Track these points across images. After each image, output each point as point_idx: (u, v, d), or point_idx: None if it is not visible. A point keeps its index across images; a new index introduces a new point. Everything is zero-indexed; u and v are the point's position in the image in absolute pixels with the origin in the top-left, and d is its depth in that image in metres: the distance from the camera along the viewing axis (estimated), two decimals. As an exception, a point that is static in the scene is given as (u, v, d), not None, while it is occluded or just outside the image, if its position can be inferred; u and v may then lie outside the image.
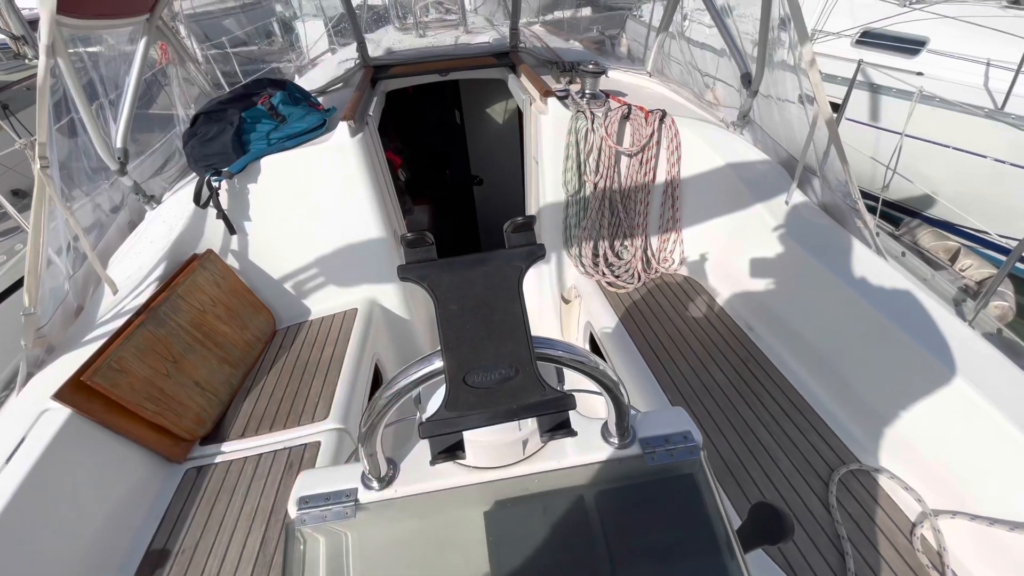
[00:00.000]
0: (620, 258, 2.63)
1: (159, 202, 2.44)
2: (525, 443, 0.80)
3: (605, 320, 2.47)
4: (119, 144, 2.26)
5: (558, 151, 2.45)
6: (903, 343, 1.63)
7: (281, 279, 2.46)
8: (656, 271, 2.64)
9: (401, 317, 2.73)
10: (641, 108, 2.36)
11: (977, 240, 5.04)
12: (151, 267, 2.11)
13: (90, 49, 2.24)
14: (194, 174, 2.37)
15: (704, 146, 2.44)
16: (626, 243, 2.61)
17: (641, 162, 2.40)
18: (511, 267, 0.57)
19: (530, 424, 0.79)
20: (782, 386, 1.98)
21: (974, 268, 4.37)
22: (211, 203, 2.23)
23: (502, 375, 0.55)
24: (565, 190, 2.51)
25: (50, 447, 1.52)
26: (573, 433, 0.56)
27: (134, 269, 2.13)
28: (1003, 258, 2.60)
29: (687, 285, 2.57)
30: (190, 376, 2.00)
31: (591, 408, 0.94)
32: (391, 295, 2.63)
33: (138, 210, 2.47)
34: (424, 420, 0.55)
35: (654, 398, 2.00)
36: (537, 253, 0.58)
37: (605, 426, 0.83)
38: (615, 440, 0.81)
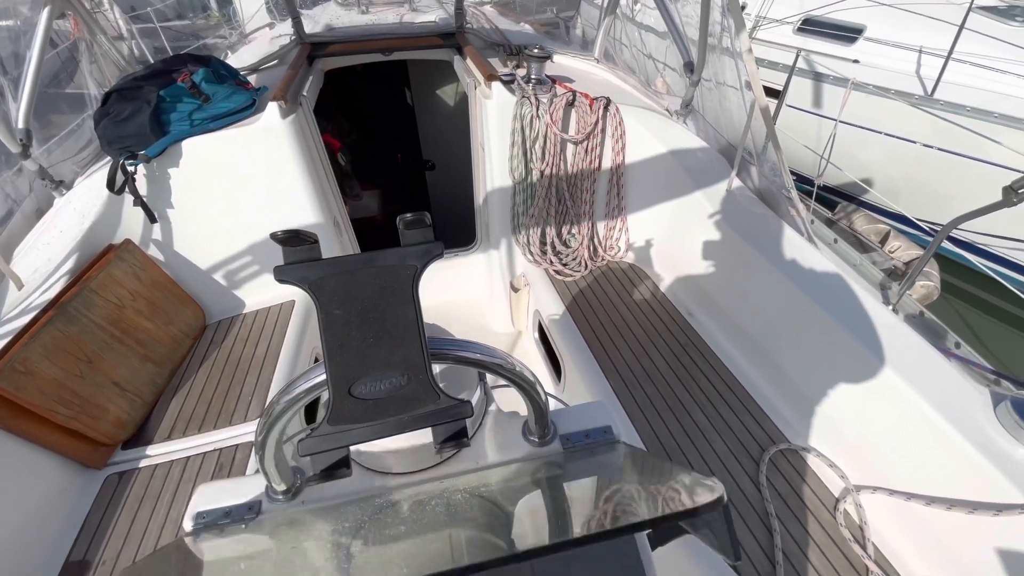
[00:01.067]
0: (567, 246, 2.63)
1: (69, 188, 2.24)
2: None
3: (553, 308, 2.47)
4: (21, 124, 2.05)
5: (504, 137, 2.40)
6: (830, 328, 1.70)
7: (210, 270, 2.32)
8: (602, 259, 2.65)
9: None
10: (586, 95, 2.34)
11: (906, 222, 5.35)
12: (61, 259, 1.94)
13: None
14: (108, 158, 2.18)
15: (647, 135, 2.44)
16: (573, 231, 2.61)
17: (587, 150, 2.38)
18: (404, 267, 0.53)
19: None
20: (719, 370, 2.03)
21: (902, 250, 4.65)
22: (127, 189, 2.06)
23: (393, 384, 0.52)
24: (512, 177, 2.46)
25: None
26: (466, 444, 0.53)
27: (42, 262, 1.95)
28: (929, 239, 2.75)
29: (632, 272, 2.60)
30: (107, 376, 1.86)
31: (517, 403, 0.93)
32: None
33: (46, 197, 2.26)
34: (303, 437, 0.50)
35: (597, 385, 2.01)
36: (433, 251, 0.54)
37: (526, 424, 0.81)
38: (535, 438, 0.79)
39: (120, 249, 2.07)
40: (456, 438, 0.53)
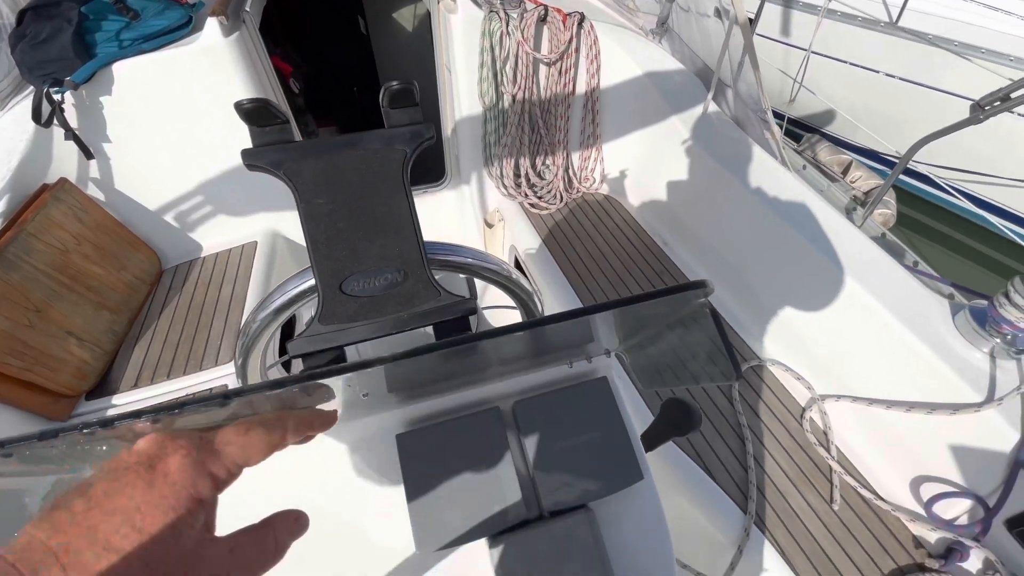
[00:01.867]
0: (542, 178, 2.55)
1: None
2: None
3: (529, 243, 2.43)
4: None
5: (471, 58, 2.25)
6: (801, 248, 1.73)
7: (160, 211, 2.15)
8: (577, 191, 2.60)
9: None
10: (559, 10, 2.19)
11: (867, 154, 5.45)
12: None
13: None
14: (31, 87, 1.94)
15: (623, 55, 2.33)
16: (547, 162, 2.53)
17: (560, 71, 2.26)
18: (393, 151, 0.47)
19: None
20: (694, 295, 2.06)
21: (863, 179, 4.76)
22: (56, 121, 1.85)
23: (388, 280, 0.47)
24: (482, 103, 2.34)
25: None
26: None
27: None
28: (889, 171, 2.81)
29: (607, 204, 2.56)
30: (60, 326, 1.74)
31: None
32: (295, 224, 2.41)
33: (-38, 134, 2.02)
34: (296, 337, 0.46)
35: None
36: (424, 134, 0.48)
37: None
38: None
39: (56, 189, 1.88)
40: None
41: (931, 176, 4.32)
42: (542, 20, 2.15)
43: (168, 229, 2.20)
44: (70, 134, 1.88)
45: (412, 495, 0.57)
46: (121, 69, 1.90)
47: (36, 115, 1.85)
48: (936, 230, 5.27)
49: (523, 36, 2.12)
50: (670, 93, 2.32)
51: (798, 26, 5.55)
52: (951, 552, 1.33)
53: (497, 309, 1.16)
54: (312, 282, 0.51)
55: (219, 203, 2.23)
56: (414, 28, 3.82)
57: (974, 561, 1.33)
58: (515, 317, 0.78)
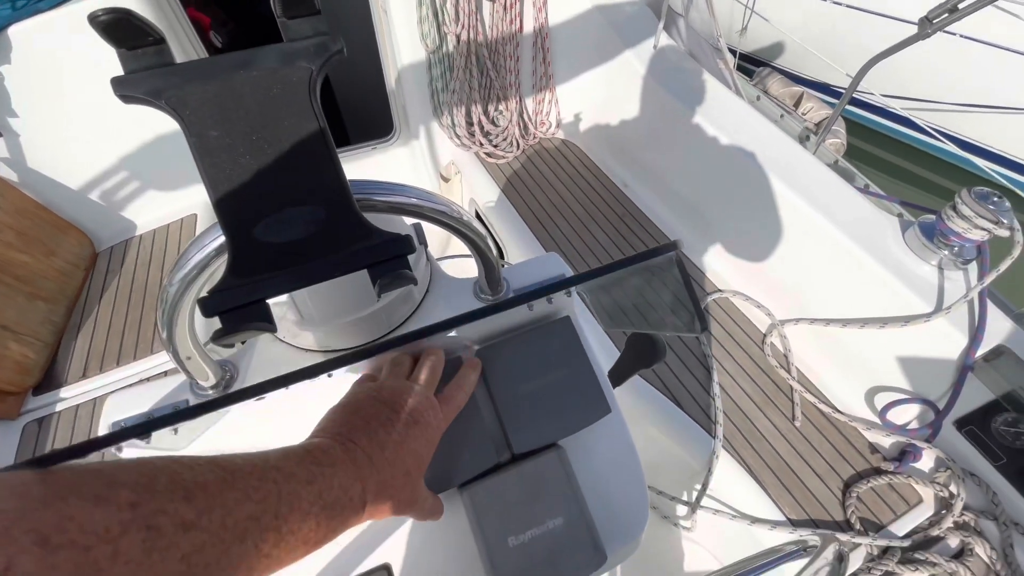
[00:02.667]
0: (496, 125, 2.45)
1: None
2: (387, 314, 0.71)
3: (488, 194, 2.36)
4: None
5: (408, -1, 2.09)
6: (757, 177, 1.73)
7: (84, 189, 1.98)
8: (534, 136, 2.51)
9: None
10: (497, -61, 2.04)
11: (818, 87, 5.48)
12: None
13: None
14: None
15: None
16: (500, 107, 2.42)
17: (505, 7, 2.13)
18: (296, 69, 0.40)
19: (392, 292, 0.69)
20: (655, 235, 2.06)
21: (814, 111, 4.80)
22: (-56, 95, 1.65)
23: (307, 220, 0.42)
24: (424, 45, 2.19)
25: None
26: (411, 281, 0.45)
27: None
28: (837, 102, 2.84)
29: (565, 148, 2.50)
30: (-11, 321, 1.61)
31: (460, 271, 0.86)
32: None
33: None
34: (205, 294, 0.41)
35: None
36: (331, 47, 0.41)
37: (476, 284, 0.76)
38: (488, 295, 0.74)
39: (-41, 172, 1.70)
40: (400, 280, 0.45)
41: (879, 105, 4.39)
42: (481, -50, 2.01)
43: (96, 208, 2.03)
44: (-35, 109, 1.68)
45: None
46: (18, 33, 1.69)
47: (-80, 89, 1.64)
48: (883, 160, 5.41)
49: (461, -31, 1.98)
50: (622, 26, 2.23)
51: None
52: (904, 454, 1.42)
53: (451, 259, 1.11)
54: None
55: (149, 175, 2.06)
56: (346, -30, 3.52)
57: (926, 461, 1.42)
58: (471, 264, 0.74)
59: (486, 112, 2.39)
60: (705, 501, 1.51)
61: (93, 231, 2.02)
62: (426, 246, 0.80)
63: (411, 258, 0.48)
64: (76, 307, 1.87)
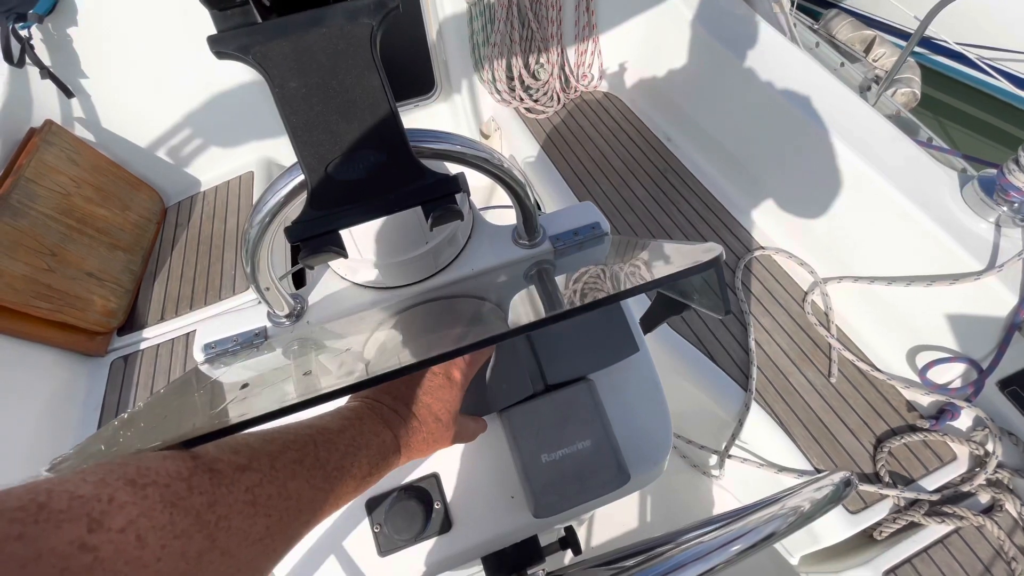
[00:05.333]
0: (537, 78, 2.43)
1: None
2: (436, 256, 0.77)
3: (528, 150, 2.36)
4: None
5: (449, -52, 2.07)
6: (807, 130, 1.67)
7: (152, 148, 2.12)
8: (575, 90, 2.48)
9: None
10: None
11: (893, 31, 5.03)
12: None
13: None
14: (-7, 24, 1.85)
15: None
16: (542, 59, 2.39)
17: (547, -45, 2.08)
18: (358, 25, 0.45)
19: (437, 235, 0.75)
20: (697, 191, 2.04)
21: (886, 57, 4.44)
22: (28, 59, 1.79)
23: (372, 162, 0.48)
24: None
25: None
26: (460, 216, 0.51)
27: None
28: (919, 49, 2.62)
29: (607, 102, 2.45)
30: (79, 267, 1.80)
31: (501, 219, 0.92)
32: (288, 151, 2.36)
33: (-62, 82, 1.96)
34: (290, 223, 0.48)
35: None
36: (388, 4, 0.46)
37: (515, 230, 0.81)
38: (525, 241, 0.79)
39: (44, 132, 1.85)
40: (450, 215, 0.51)
41: (953, 48, 4.01)
42: None
43: (164, 167, 2.18)
44: (45, 72, 1.81)
45: None
46: None
47: (7, 55, 1.78)
48: (961, 110, 4.97)
49: (503, -85, 1.93)
50: None
51: None
52: (942, 413, 1.42)
53: (494, 209, 1.16)
54: (301, 177, 0.52)
55: (210, 135, 2.18)
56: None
57: (964, 420, 1.41)
58: (510, 215, 0.78)
59: (527, 65, 2.37)
60: (734, 451, 1.56)
61: (162, 188, 2.18)
62: (469, 195, 0.85)
63: (464, 191, 0.53)
64: (151, 257, 2.05)
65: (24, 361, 1.64)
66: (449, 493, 0.69)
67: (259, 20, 0.44)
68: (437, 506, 0.68)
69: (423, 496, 0.68)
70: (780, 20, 2.05)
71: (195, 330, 1.78)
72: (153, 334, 1.87)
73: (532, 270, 0.76)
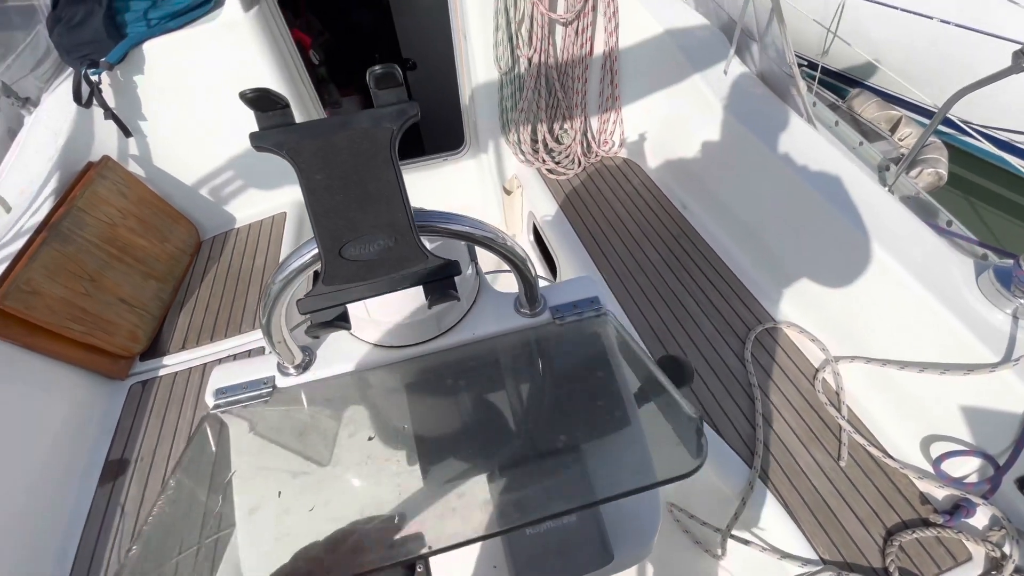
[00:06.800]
0: (560, 143, 2.54)
1: (36, 104, 2.13)
2: (440, 319, 0.81)
3: (546, 208, 2.45)
4: None
5: (486, 22, 2.23)
6: (822, 209, 1.70)
7: (195, 185, 2.28)
8: (596, 155, 2.58)
9: None
10: (574, -32, 2.13)
11: (919, 110, 5.11)
12: (43, 180, 1.90)
13: None
14: (70, 69, 2.05)
15: (642, 11, 2.27)
16: (565, 126, 2.51)
17: (577, 31, 2.22)
18: (381, 130, 0.52)
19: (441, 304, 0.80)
20: (710, 258, 2.06)
21: (911, 137, 4.49)
22: (95, 101, 1.97)
23: (380, 246, 0.53)
24: (498, 68, 2.33)
25: None
26: (455, 297, 0.56)
27: (24, 183, 1.92)
28: (946, 129, 2.66)
29: (626, 168, 2.54)
30: (113, 293, 1.90)
31: (510, 286, 0.96)
32: None
33: (15, 116, 2.16)
34: (303, 296, 0.53)
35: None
36: (409, 112, 0.52)
37: (517, 299, 0.85)
38: (526, 310, 0.83)
39: (100, 166, 2.01)
40: (446, 296, 0.55)
41: (978, 130, 4.04)
42: (557, -22, 2.11)
43: (204, 203, 2.33)
44: (109, 113, 1.99)
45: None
46: (151, 48, 1.99)
47: (77, 96, 1.96)
48: (990, 191, 4.94)
49: (538, -4, 2.09)
50: (692, 50, 2.25)
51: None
52: (957, 508, 1.36)
53: (497, 273, 1.21)
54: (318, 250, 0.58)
55: (249, 177, 2.33)
56: (433, -9, 3.76)
57: (980, 518, 1.35)
58: (512, 280, 0.83)
59: (551, 130, 2.49)
60: (737, 529, 1.50)
61: (200, 222, 2.32)
62: (476, 262, 0.90)
63: (461, 274, 0.58)
64: (180, 287, 2.15)
65: (49, 379, 1.71)
66: (433, 558, 0.70)
67: (294, 121, 0.51)
68: (419, 569, 0.69)
69: (407, 553, 0.69)
70: (798, 101, 2.12)
71: (210, 362, 1.84)
72: (173, 362, 1.94)
73: (532, 338, 0.79)
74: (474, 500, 0.64)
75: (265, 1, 2.10)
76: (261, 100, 0.49)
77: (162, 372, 1.91)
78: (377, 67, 0.50)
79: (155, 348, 1.98)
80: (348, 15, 3.97)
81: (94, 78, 1.95)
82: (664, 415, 0.75)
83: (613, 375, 0.77)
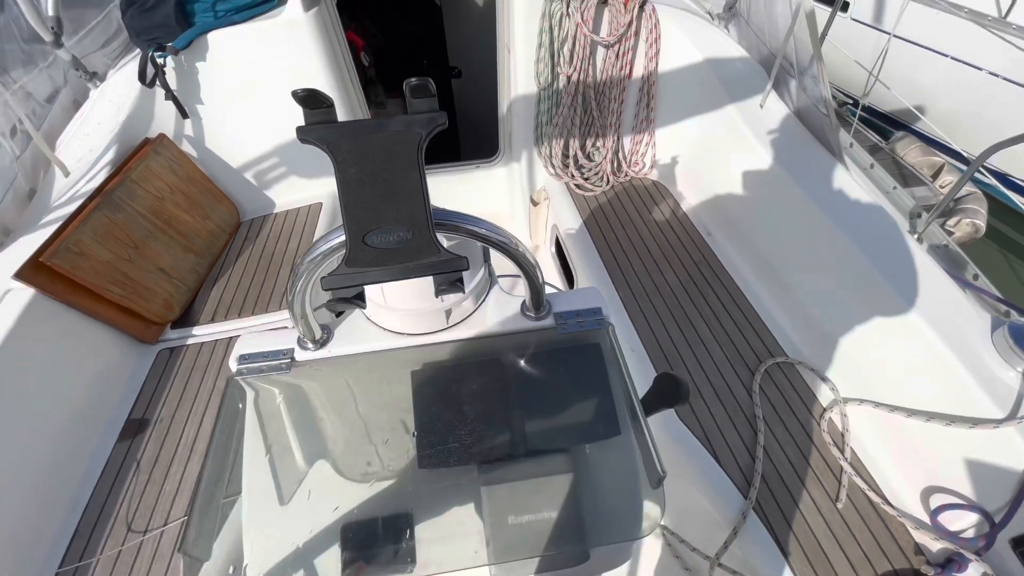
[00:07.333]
0: (591, 159, 2.60)
1: (103, 80, 2.29)
2: (449, 313, 0.87)
3: (571, 223, 2.50)
4: (51, 12, 2.07)
5: (531, 39, 2.31)
6: (846, 252, 1.71)
7: (241, 169, 2.40)
8: (625, 175, 2.62)
9: None
10: (621, -7, 2.20)
11: (963, 158, 5.00)
12: (102, 150, 2.04)
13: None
14: (137, 50, 2.20)
15: (684, 39, 2.31)
16: (598, 144, 2.57)
17: (618, 54, 2.28)
18: (411, 134, 0.58)
19: (452, 296, 0.85)
20: (729, 287, 2.08)
21: (952, 185, 4.38)
22: (158, 82, 2.10)
23: (399, 237, 0.59)
24: (537, 82, 2.40)
25: (17, 324, 1.57)
26: (461, 290, 0.61)
27: (84, 152, 2.06)
28: (990, 180, 2.62)
29: (654, 189, 2.58)
30: (154, 262, 2.02)
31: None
32: None
33: (81, 88, 2.32)
34: (327, 275, 0.59)
35: (605, 295, 2.09)
36: (438, 120, 0.59)
37: (524, 303, 0.90)
38: (532, 314, 0.88)
39: (156, 143, 2.15)
40: (453, 288, 0.61)
41: (1016, 183, 3.93)
42: (603, 3, 2.17)
43: (247, 186, 2.45)
44: (169, 95, 2.12)
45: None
46: (215, 38, 2.12)
47: (142, 76, 2.10)
48: (1027, 247, 4.78)
49: (583, 18, 2.16)
50: (731, 81, 2.29)
51: (893, 8, 5.11)
52: (950, 562, 1.34)
53: (506, 277, 1.27)
54: (344, 237, 0.65)
55: (291, 166, 2.45)
56: (484, 4, 3.87)
57: (972, 573, 1.34)
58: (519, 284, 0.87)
59: (583, 147, 2.55)
60: (727, 559, 1.51)
61: (241, 204, 2.44)
62: (489, 263, 0.96)
63: (472, 272, 0.63)
64: (216, 263, 2.27)
65: (85, 335, 1.82)
66: (419, 533, 0.75)
67: (337, 119, 0.58)
68: (404, 544, 0.74)
69: (395, 532, 0.74)
70: (832, 141, 2.14)
71: (237, 335, 1.93)
72: (201, 332, 2.04)
73: (533, 340, 0.84)
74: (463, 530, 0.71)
75: (325, 3, 2.22)
76: (309, 99, 0.56)
77: (190, 341, 2.02)
78: (413, 79, 0.56)
79: (186, 318, 2.08)
80: (403, 22, 4.11)
81: (160, 61, 2.09)
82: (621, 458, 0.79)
83: (606, 386, 0.81)
